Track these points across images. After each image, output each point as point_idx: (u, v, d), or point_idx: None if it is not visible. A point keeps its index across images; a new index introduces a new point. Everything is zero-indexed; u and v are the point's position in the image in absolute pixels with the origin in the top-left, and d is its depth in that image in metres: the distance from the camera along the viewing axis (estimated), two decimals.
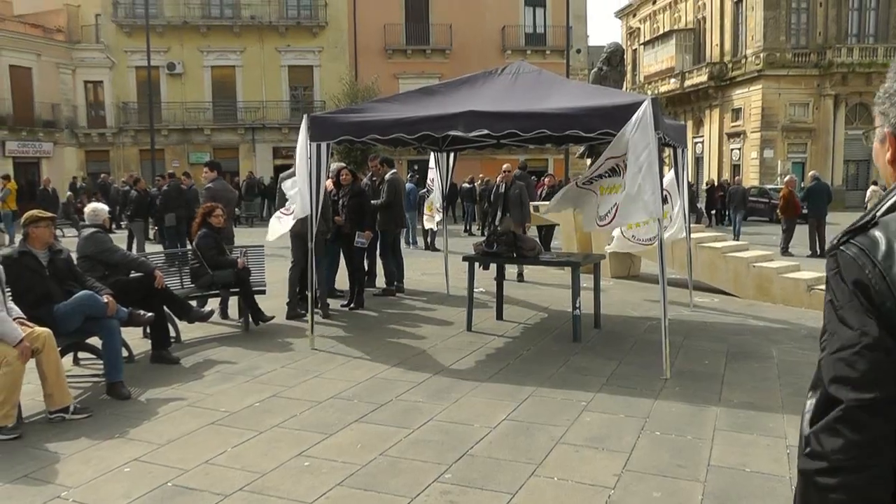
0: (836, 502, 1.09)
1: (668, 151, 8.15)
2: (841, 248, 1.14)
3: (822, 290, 8.82)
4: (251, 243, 8.66)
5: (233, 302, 7.96)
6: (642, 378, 5.63)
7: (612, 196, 6.03)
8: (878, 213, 1.14)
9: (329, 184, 8.35)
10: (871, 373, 1.07)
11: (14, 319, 4.64)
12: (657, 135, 5.51)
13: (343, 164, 10.64)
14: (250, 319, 7.44)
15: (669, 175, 7.92)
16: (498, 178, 10.91)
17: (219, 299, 7.94)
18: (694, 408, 4.93)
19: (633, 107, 5.59)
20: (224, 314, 7.95)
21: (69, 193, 25.22)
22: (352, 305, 8.68)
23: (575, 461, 4.04)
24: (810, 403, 1.14)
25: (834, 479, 1.08)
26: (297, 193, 6.71)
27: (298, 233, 7.99)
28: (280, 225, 7.20)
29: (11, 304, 4.80)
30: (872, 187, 26.06)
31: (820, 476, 1.11)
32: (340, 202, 8.73)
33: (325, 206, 8.18)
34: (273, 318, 7.53)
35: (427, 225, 10.76)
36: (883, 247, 1.08)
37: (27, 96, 31.32)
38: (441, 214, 9.88)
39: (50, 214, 5.40)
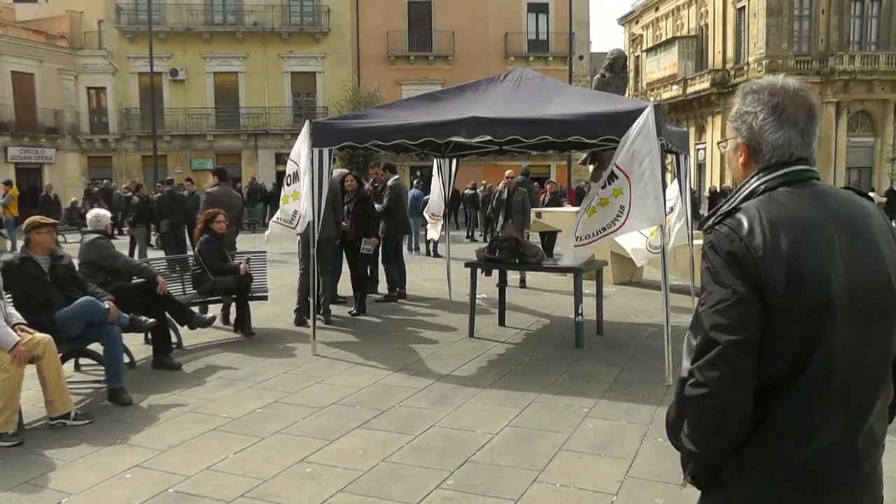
0: (714, 418, 1.48)
1: (670, 158, 8.15)
2: (715, 227, 1.54)
3: None
4: (253, 249, 8.67)
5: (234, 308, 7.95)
6: (645, 384, 5.61)
7: (605, 209, 5.84)
8: (738, 201, 1.57)
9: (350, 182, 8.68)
10: (741, 320, 1.44)
11: (14, 325, 4.64)
12: (660, 141, 5.50)
13: (346, 171, 10.64)
14: (241, 325, 7.52)
15: (673, 187, 7.89)
16: (500, 185, 10.91)
17: (220, 305, 7.93)
18: None
19: (636, 113, 5.59)
20: (226, 320, 7.94)
21: (73, 199, 25.24)
22: (354, 311, 8.67)
23: (577, 468, 4.02)
24: (692, 345, 1.53)
25: (713, 401, 1.46)
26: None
27: (309, 239, 7.98)
28: (281, 230, 7.18)
29: (12, 310, 4.80)
30: (872, 193, 26.35)
31: (702, 400, 1.48)
32: (346, 208, 8.74)
33: (337, 212, 8.20)
34: (253, 334, 7.49)
35: (430, 234, 10.71)
36: (746, 226, 1.48)
37: (29, 102, 31.42)
38: (442, 220, 9.84)
39: (51, 220, 5.39)
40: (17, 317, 4.77)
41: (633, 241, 8.07)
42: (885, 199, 29.04)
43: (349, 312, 8.68)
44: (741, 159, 1.66)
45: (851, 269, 1.49)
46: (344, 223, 8.57)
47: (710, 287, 1.53)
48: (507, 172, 10.89)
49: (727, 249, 1.49)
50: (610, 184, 5.75)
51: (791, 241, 1.47)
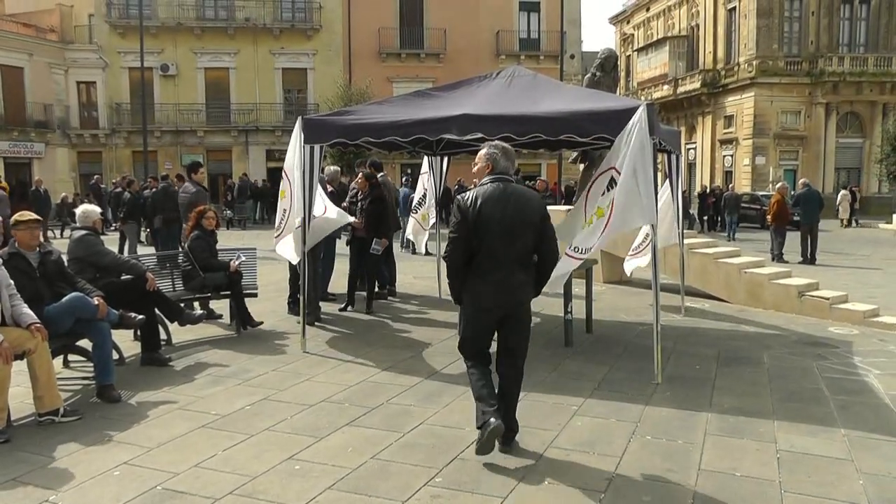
0: (452, 268, 4.07)
1: (661, 158, 8.17)
2: (457, 197, 4.07)
3: (813, 296, 8.87)
4: (242, 246, 8.65)
5: (223, 305, 7.93)
6: (634, 383, 5.64)
7: (601, 221, 5.56)
8: (477, 188, 4.05)
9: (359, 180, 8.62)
10: (459, 231, 3.96)
11: (28, 326, 4.65)
12: (652, 140, 5.51)
13: (338, 168, 10.58)
14: (242, 323, 7.40)
15: (664, 189, 7.88)
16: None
17: (209, 302, 7.91)
18: (685, 413, 4.95)
19: (629, 112, 5.60)
20: (210, 313, 7.90)
21: (63, 194, 25.02)
22: (348, 307, 8.68)
23: (566, 465, 4.04)
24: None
25: (449, 261, 4.05)
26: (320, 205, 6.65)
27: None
28: (285, 244, 7.01)
29: (26, 310, 4.76)
30: (843, 192, 27.32)
31: (448, 261, 4.07)
32: (360, 206, 8.64)
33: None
34: (262, 323, 7.49)
35: (409, 234, 10.10)
36: (469, 196, 4.00)
37: (19, 96, 31.20)
38: (433, 220, 9.65)
39: (33, 217, 5.31)
40: (30, 317, 4.74)
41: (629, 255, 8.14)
42: (846, 193, 30.08)
43: (340, 309, 8.65)
44: (487, 171, 4.12)
45: (505, 215, 3.93)
46: (357, 220, 8.40)
47: (452, 219, 4.03)
48: None
49: (458, 204, 3.98)
50: (609, 190, 5.54)
51: (482, 202, 3.94)
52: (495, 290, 3.99)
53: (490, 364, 4.23)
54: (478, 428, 4.00)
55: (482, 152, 4.13)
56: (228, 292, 7.40)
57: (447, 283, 4.16)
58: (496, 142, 4.24)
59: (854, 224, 29.49)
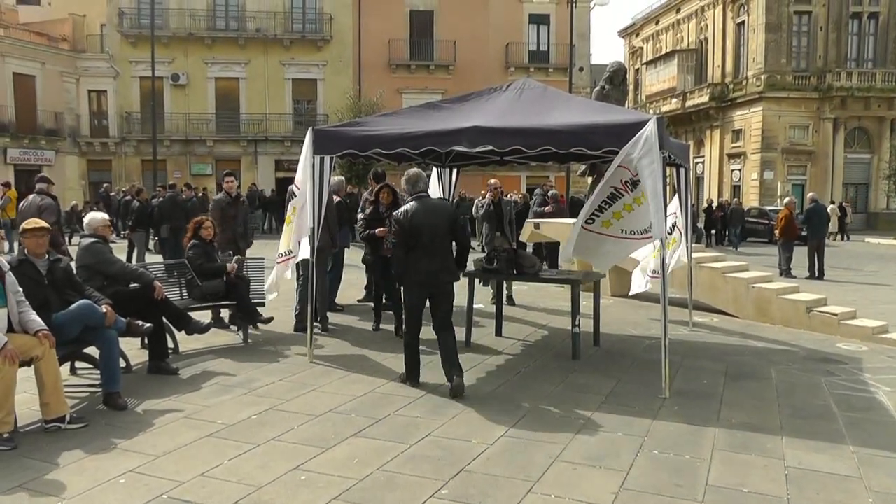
0: (396, 258, 5.83)
1: (670, 171, 8.16)
2: (394, 213, 5.96)
3: (821, 311, 8.82)
4: (250, 256, 8.67)
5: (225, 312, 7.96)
6: (641, 397, 5.61)
7: (631, 214, 5.97)
8: (407, 203, 5.82)
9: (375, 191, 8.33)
10: (399, 238, 5.68)
11: (36, 333, 4.66)
12: (662, 153, 5.51)
13: (343, 178, 10.60)
14: (250, 317, 7.52)
15: (674, 203, 7.88)
16: (488, 196, 10.36)
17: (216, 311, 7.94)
18: (692, 427, 4.92)
19: (639, 125, 5.60)
20: (219, 321, 7.93)
21: (73, 202, 25.16)
22: (376, 328, 8.24)
23: (572, 479, 4.02)
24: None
25: (395, 255, 5.85)
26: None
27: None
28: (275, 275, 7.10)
29: (34, 316, 4.77)
30: (831, 206, 27.81)
31: (393, 255, 6.00)
32: (386, 220, 7.96)
33: (330, 223, 8.00)
34: (272, 319, 7.56)
35: None
36: (404, 209, 5.74)
37: (30, 104, 31.46)
38: None
39: (42, 225, 5.35)
40: (38, 323, 4.75)
41: (638, 265, 8.08)
42: (835, 207, 30.23)
43: (374, 329, 8.24)
44: (410, 192, 5.88)
45: (429, 222, 5.62)
46: (383, 228, 7.85)
47: (393, 228, 5.85)
48: (492, 182, 10.42)
49: (396, 218, 5.75)
50: (633, 189, 5.78)
51: (412, 214, 5.63)
52: (426, 273, 5.66)
53: (419, 334, 5.92)
54: (401, 380, 6.01)
55: (403, 180, 6.00)
56: (233, 302, 7.43)
57: (393, 270, 6.09)
58: (410, 170, 6.00)
59: (844, 239, 29.66)
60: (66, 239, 22.04)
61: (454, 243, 5.89)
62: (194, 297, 7.36)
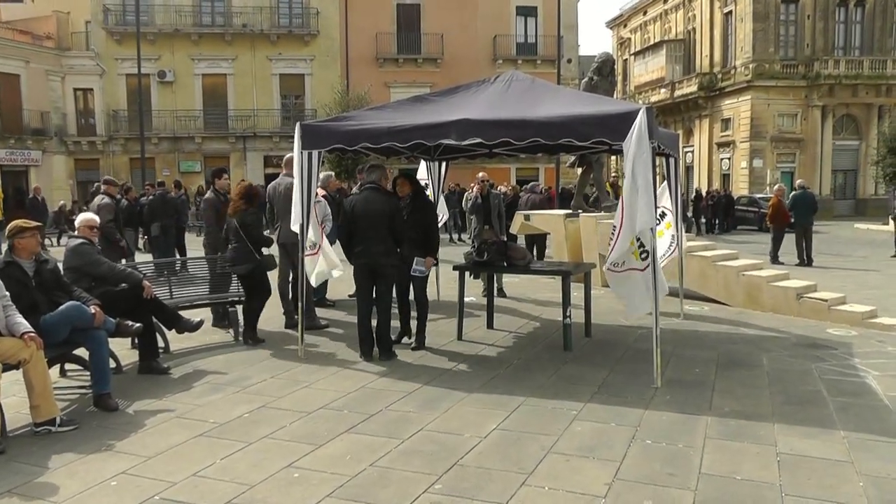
0: (342, 241, 6.70)
1: (659, 161, 8.17)
2: (344, 200, 7.75)
3: (811, 297, 8.87)
4: None
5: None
6: (633, 387, 5.63)
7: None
8: (353, 195, 7.12)
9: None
10: (344, 222, 6.65)
11: (23, 335, 4.62)
12: (652, 144, 5.50)
13: (331, 173, 10.57)
14: (240, 331, 7.43)
15: (662, 189, 7.87)
16: (475, 189, 10.33)
17: (208, 309, 7.88)
18: (685, 416, 4.93)
19: (628, 115, 5.59)
20: (223, 319, 7.88)
21: (61, 202, 24.98)
22: (413, 345, 7.11)
23: (566, 471, 4.03)
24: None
25: (341, 238, 6.75)
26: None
27: (284, 243, 7.92)
28: (322, 261, 7.00)
29: (20, 319, 4.73)
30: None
31: (340, 237, 6.83)
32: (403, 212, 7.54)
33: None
34: (263, 341, 7.34)
35: None
36: (349, 200, 6.82)
37: (15, 104, 31.16)
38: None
39: (35, 224, 5.32)
40: (24, 326, 4.71)
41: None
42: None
43: (411, 348, 7.07)
44: (363, 182, 6.89)
45: (366, 210, 6.45)
46: None
47: (341, 215, 6.82)
48: (480, 175, 10.40)
49: (344, 206, 6.89)
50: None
51: (354, 203, 6.60)
52: (364, 254, 6.45)
53: (369, 313, 6.58)
54: (361, 355, 6.64)
55: (365, 169, 6.97)
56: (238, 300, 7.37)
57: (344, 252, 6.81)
58: (372, 163, 6.90)
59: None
60: (57, 240, 21.99)
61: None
62: (240, 262, 7.18)
